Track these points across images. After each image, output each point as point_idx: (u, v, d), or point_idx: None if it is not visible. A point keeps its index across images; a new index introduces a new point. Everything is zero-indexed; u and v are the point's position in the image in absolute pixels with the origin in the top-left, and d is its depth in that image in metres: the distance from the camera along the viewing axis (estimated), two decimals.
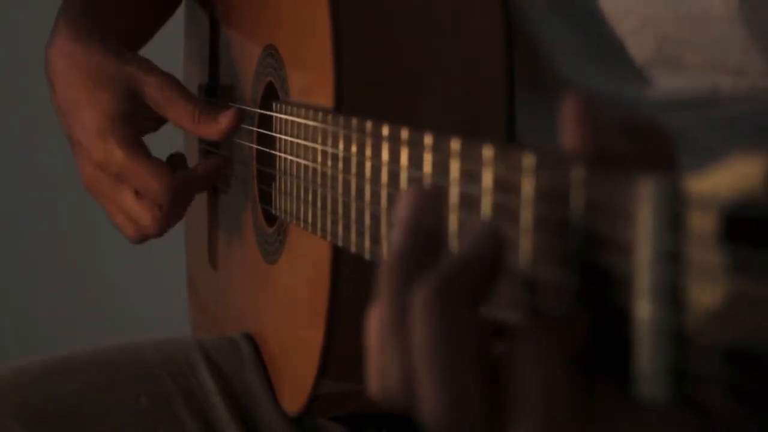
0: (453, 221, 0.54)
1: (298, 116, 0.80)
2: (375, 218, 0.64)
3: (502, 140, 0.80)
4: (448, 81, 0.79)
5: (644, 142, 0.44)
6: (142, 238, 0.99)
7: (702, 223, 0.39)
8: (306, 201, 0.79)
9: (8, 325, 2.13)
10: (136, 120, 0.96)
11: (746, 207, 0.37)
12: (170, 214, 0.96)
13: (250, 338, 0.98)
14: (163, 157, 0.98)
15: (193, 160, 1.10)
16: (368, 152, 0.65)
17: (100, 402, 0.92)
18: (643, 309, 0.40)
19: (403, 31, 0.79)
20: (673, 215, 0.40)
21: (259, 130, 0.93)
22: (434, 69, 0.79)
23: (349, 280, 0.79)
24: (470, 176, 0.52)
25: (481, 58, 0.80)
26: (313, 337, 0.81)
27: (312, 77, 0.82)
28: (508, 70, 0.80)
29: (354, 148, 0.68)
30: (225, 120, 0.95)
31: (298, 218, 0.81)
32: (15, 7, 1.96)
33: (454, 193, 0.54)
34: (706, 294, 0.39)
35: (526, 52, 0.84)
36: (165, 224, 0.97)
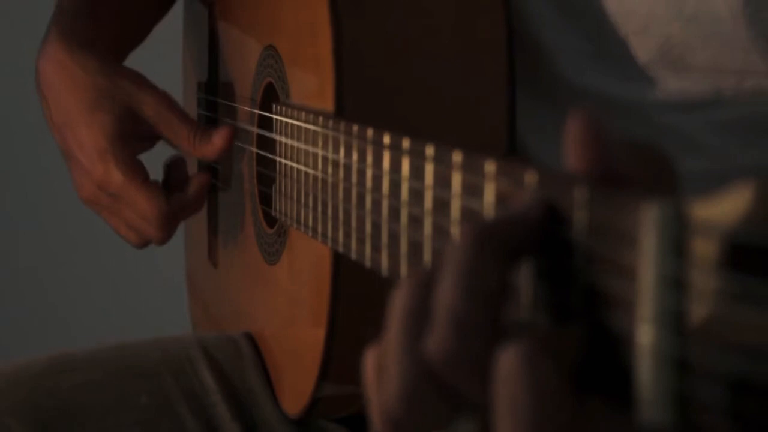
0: (455, 234, 0.54)
1: (298, 119, 0.80)
2: (376, 226, 0.64)
3: (504, 143, 0.80)
4: (448, 83, 0.79)
5: (647, 164, 0.44)
6: (146, 245, 1.00)
7: (706, 250, 0.38)
8: (306, 205, 0.78)
9: (8, 324, 2.13)
10: (133, 140, 0.96)
11: (752, 235, 0.37)
12: (167, 231, 0.97)
13: (250, 337, 0.98)
14: (162, 158, 0.98)
15: (190, 164, 1.09)
16: (369, 160, 0.65)
17: (101, 400, 0.92)
18: (645, 333, 0.40)
19: (404, 33, 0.79)
20: (677, 241, 0.39)
21: (259, 131, 0.93)
22: (435, 71, 0.79)
23: (351, 282, 0.78)
24: (472, 190, 0.52)
25: (483, 60, 0.79)
26: (314, 339, 0.81)
27: (312, 79, 0.81)
28: (509, 74, 0.79)
29: (355, 156, 0.67)
30: (218, 140, 0.95)
31: (298, 222, 0.81)
32: (15, 7, 1.95)
33: (455, 207, 0.54)
34: (709, 321, 0.38)
35: (528, 54, 0.84)
36: (168, 236, 0.98)
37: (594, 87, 0.83)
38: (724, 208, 0.38)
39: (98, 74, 0.96)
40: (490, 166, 0.51)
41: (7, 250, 2.16)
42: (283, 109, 0.84)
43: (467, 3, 0.79)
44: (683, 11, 0.78)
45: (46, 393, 0.92)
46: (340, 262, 0.78)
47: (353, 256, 0.68)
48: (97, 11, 1.02)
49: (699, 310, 0.39)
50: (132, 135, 0.96)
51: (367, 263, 0.66)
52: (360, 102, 0.77)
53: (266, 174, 0.92)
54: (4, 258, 2.16)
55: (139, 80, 0.97)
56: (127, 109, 0.96)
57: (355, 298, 0.79)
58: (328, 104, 0.77)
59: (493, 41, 0.79)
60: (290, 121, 0.82)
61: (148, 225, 0.97)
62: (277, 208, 0.87)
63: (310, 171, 0.77)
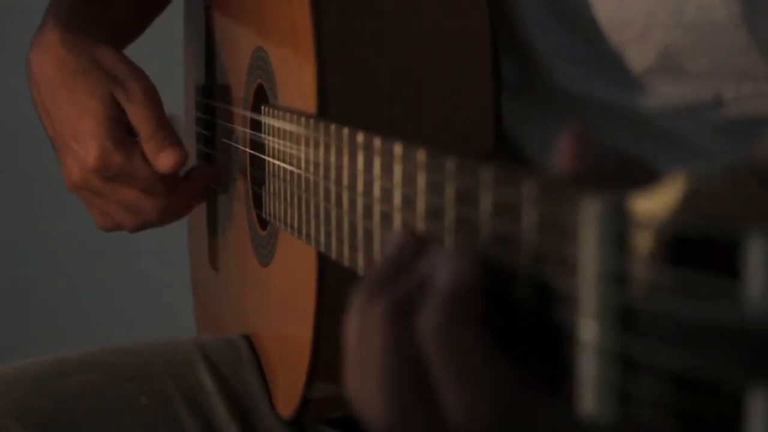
0: (421, 232, 0.54)
1: (284, 120, 0.80)
2: (352, 226, 0.64)
3: (490, 138, 0.79)
4: (432, 83, 0.79)
5: (624, 166, 0.44)
6: (142, 227, 1.00)
7: (647, 243, 0.38)
8: (292, 205, 0.78)
9: (8, 325, 2.14)
10: (124, 121, 0.97)
11: (689, 227, 0.37)
12: (171, 203, 0.97)
13: (248, 339, 0.98)
14: None
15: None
16: (345, 160, 0.65)
17: (100, 402, 0.92)
18: (587, 328, 0.40)
19: (386, 31, 0.79)
20: (618, 235, 0.39)
21: (252, 132, 0.93)
22: (418, 72, 0.79)
23: (336, 282, 0.78)
24: (435, 188, 0.52)
25: (466, 60, 0.79)
26: (303, 340, 0.81)
27: (296, 80, 0.81)
28: (493, 72, 0.79)
29: (333, 155, 0.68)
30: (164, 161, 0.95)
31: (285, 223, 0.81)
32: (16, 7, 1.96)
33: (420, 204, 0.54)
34: (650, 315, 0.38)
35: (523, 61, 0.83)
36: (166, 212, 0.98)
37: (589, 93, 0.82)
38: (664, 200, 0.38)
39: (90, 65, 0.97)
40: (450, 164, 0.51)
41: (8, 253, 2.17)
42: (271, 110, 0.84)
43: (450, 4, 0.79)
44: (683, 18, 0.78)
45: (46, 395, 0.92)
46: (325, 263, 0.78)
47: (333, 255, 0.68)
48: (94, 5, 1.03)
49: (640, 305, 0.39)
50: (122, 117, 0.97)
51: (346, 263, 0.66)
52: (343, 103, 0.77)
53: (259, 176, 0.92)
54: (5, 261, 2.17)
55: (128, 69, 0.98)
56: (111, 94, 0.97)
57: (341, 299, 0.79)
58: (312, 105, 0.77)
59: (476, 42, 0.79)
60: (276, 122, 0.82)
61: (147, 198, 0.97)
62: (267, 209, 0.87)
63: (295, 171, 0.77)
